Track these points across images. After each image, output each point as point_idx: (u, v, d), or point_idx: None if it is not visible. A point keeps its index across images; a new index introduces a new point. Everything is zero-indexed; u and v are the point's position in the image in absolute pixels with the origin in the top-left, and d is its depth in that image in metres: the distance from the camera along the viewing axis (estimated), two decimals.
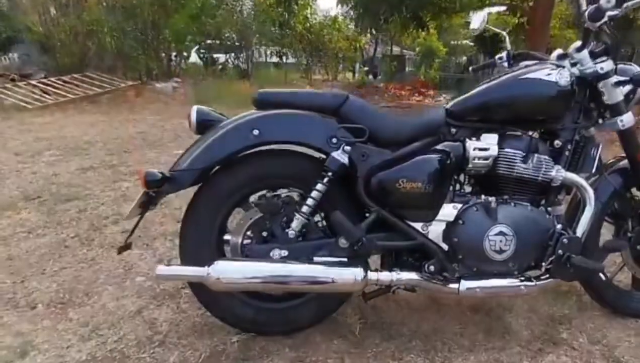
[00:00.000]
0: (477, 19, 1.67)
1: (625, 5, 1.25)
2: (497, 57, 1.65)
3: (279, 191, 1.39)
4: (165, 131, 5.19)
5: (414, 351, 1.39)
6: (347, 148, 1.25)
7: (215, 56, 12.40)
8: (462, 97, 1.38)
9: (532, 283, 1.34)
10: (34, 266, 1.85)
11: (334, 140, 1.26)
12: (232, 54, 12.26)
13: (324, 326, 1.46)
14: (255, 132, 1.23)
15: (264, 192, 1.36)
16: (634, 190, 1.52)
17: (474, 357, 1.37)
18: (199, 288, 1.32)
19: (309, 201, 1.28)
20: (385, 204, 1.29)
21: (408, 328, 1.49)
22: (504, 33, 1.73)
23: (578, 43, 1.36)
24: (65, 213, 2.46)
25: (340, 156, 1.24)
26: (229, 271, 1.21)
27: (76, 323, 1.47)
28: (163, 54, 10.81)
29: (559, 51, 1.43)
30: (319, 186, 1.27)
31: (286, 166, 1.34)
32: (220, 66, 12.24)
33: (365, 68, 16.28)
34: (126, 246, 1.36)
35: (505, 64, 1.61)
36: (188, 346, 1.37)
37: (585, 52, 1.33)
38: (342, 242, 1.27)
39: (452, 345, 1.42)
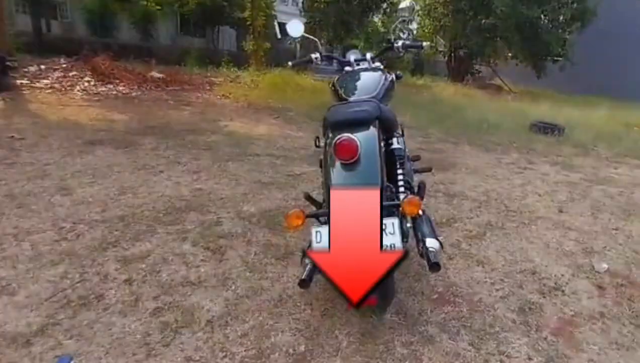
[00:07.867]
0: (295, 29, 2.55)
1: (406, 48, 2.57)
2: (313, 56, 2.58)
3: None
4: None
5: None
6: (401, 139, 2.20)
7: None
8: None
9: None
10: None
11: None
12: None
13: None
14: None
15: None
16: None
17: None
18: None
19: None
20: None
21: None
22: (317, 40, 2.63)
23: (371, 54, 2.56)
24: None
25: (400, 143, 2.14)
26: None
27: None
28: None
29: (353, 56, 2.53)
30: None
31: None
32: None
33: None
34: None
35: (320, 62, 2.58)
36: None
37: (376, 60, 2.55)
38: None
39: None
